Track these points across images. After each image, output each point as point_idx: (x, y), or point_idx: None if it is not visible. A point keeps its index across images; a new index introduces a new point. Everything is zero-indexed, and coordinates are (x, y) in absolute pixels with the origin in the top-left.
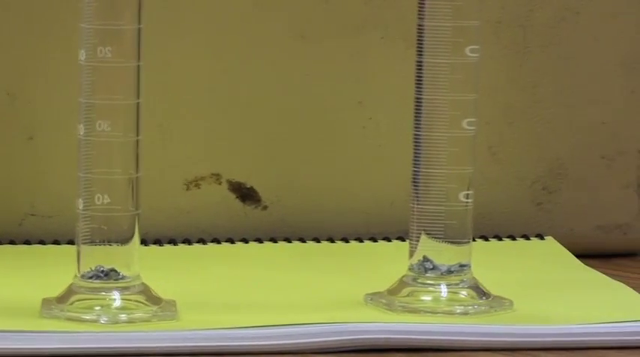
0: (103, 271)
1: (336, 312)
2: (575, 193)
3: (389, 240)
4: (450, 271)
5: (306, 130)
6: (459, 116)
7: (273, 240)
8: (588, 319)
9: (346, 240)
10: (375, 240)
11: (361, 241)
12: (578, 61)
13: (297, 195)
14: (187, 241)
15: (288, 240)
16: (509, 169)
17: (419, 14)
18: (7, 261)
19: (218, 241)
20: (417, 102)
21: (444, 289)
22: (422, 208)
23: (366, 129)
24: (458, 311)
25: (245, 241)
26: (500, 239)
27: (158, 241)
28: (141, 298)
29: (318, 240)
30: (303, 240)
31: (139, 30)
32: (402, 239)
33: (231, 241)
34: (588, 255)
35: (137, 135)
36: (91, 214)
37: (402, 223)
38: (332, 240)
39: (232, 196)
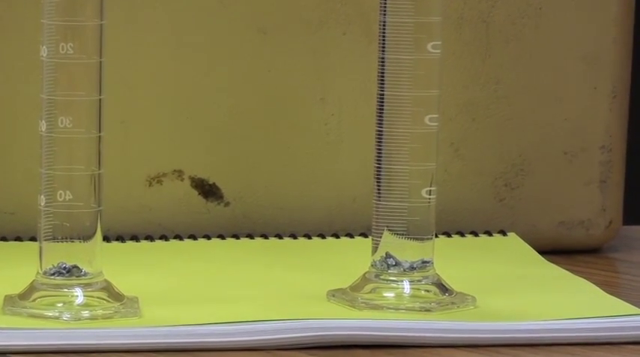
0: (65, 268)
1: (299, 308)
2: (538, 190)
3: (351, 236)
4: (412, 268)
5: (268, 127)
6: (421, 112)
7: (236, 236)
8: (551, 316)
9: (309, 236)
10: (337, 236)
11: (324, 237)
12: (541, 57)
13: (259, 191)
14: (149, 238)
15: (251, 236)
16: (472, 166)
17: (381, 10)
18: None
19: (180, 238)
20: (380, 98)
21: (406, 286)
22: (384, 205)
23: (328, 125)
24: (421, 308)
25: (207, 237)
26: (462, 235)
27: (120, 238)
28: (103, 294)
29: (280, 236)
30: (265, 236)
31: (101, 26)
32: (365, 235)
33: (194, 237)
34: (551, 251)
35: (99, 131)
36: (53, 210)
37: (365, 219)
38: (294, 236)
39: (194, 192)
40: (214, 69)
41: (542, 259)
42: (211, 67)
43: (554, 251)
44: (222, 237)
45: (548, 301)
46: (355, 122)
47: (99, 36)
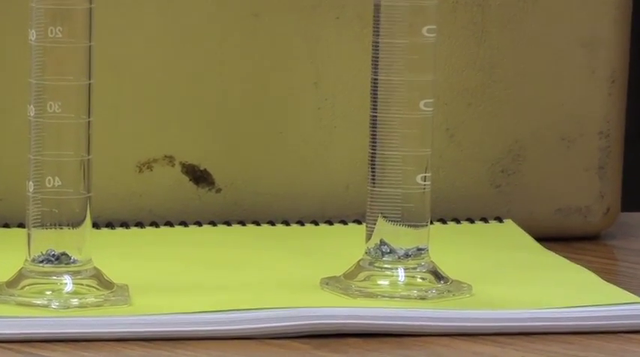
0: (54, 255)
1: (292, 296)
2: (535, 176)
3: (345, 223)
4: (407, 255)
5: (260, 112)
6: (416, 97)
7: (227, 223)
8: (548, 304)
9: (302, 223)
10: (331, 223)
11: (317, 224)
12: (538, 41)
13: (251, 177)
14: (140, 225)
15: (243, 223)
16: (468, 151)
17: None
18: None
19: (171, 225)
20: (374, 83)
21: (401, 274)
22: (379, 191)
23: (322, 110)
24: (415, 296)
25: (199, 224)
26: (458, 222)
27: (110, 225)
28: (92, 282)
29: (272, 223)
30: (257, 223)
31: (91, 10)
32: (359, 222)
33: (185, 224)
34: (548, 238)
35: (88, 116)
36: (42, 197)
37: (359, 206)
38: (287, 223)
39: (185, 178)
40: (206, 53)
41: (539, 246)
42: (203, 51)
43: (552, 238)
44: (213, 224)
45: (545, 289)
46: (349, 107)
47: (88, 20)
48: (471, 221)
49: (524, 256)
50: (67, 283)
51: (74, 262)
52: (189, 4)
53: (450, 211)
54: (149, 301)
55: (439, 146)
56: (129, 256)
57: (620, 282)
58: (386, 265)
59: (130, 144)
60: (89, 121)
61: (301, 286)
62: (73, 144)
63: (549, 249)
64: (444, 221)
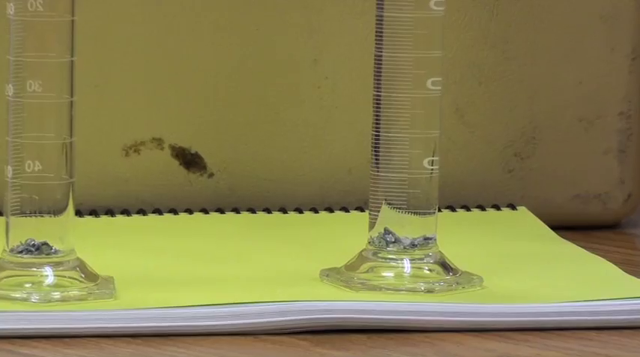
0: (34, 245)
1: (289, 289)
2: (551, 160)
3: (347, 210)
4: (413, 245)
5: (255, 91)
6: (423, 75)
7: (220, 210)
8: (565, 297)
9: (300, 211)
10: (331, 210)
11: (316, 211)
12: (554, 14)
13: (246, 161)
14: (126, 212)
15: (237, 210)
16: (479, 133)
17: None
18: None
19: (160, 212)
20: (377, 60)
21: (407, 265)
22: (383, 176)
23: (322, 89)
24: (422, 288)
25: (189, 211)
26: (468, 210)
27: (94, 212)
28: (75, 274)
29: (269, 210)
30: (252, 210)
31: None
32: (362, 210)
33: (175, 211)
34: (564, 227)
35: (71, 96)
36: (21, 182)
37: (361, 192)
38: (284, 210)
39: (175, 162)
40: (197, 26)
41: (555, 235)
42: (194, 25)
43: (569, 227)
44: (205, 211)
45: (562, 282)
46: (351, 86)
47: None
48: (482, 208)
49: (539, 245)
50: (48, 275)
51: (56, 252)
52: None
53: (460, 197)
54: (136, 295)
55: (448, 128)
56: (114, 247)
57: None
58: (390, 256)
59: (116, 125)
60: (72, 101)
61: (299, 279)
62: (54, 125)
63: (566, 238)
64: (452, 208)
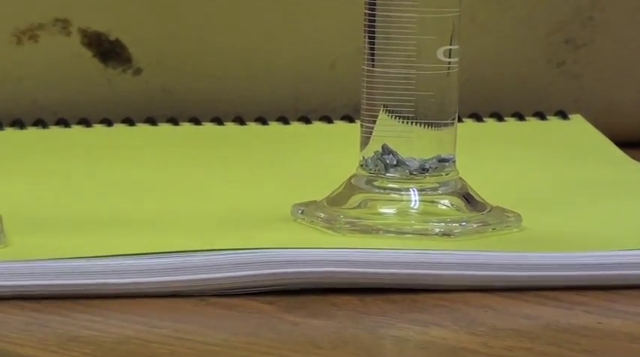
0: None
1: (249, 233)
2: (614, 48)
3: (329, 121)
4: (423, 169)
5: None
6: None
7: (152, 121)
8: (635, 243)
9: (263, 121)
10: (307, 121)
11: (286, 122)
12: None
13: (186, 53)
14: (19, 124)
15: (175, 121)
16: (514, 13)
17: None
18: None
19: (66, 123)
20: None
21: (414, 197)
22: (380, 72)
23: None
24: (436, 231)
25: (108, 122)
26: (501, 119)
27: None
28: None
29: (220, 121)
30: (197, 121)
31: None
32: (350, 119)
33: (87, 122)
34: (634, 142)
35: None
36: None
37: (349, 94)
38: (241, 121)
39: (88, 53)
40: None
41: (622, 153)
42: None
43: (638, 142)
44: (130, 122)
45: (631, 220)
46: None
47: None
48: (521, 118)
49: (599, 168)
50: None
51: None
52: None
53: (489, 102)
54: (33, 240)
55: (471, 5)
56: (3, 173)
57: None
58: (391, 185)
59: (4, 3)
60: None
61: (263, 218)
62: None
63: (634, 158)
64: (479, 118)
